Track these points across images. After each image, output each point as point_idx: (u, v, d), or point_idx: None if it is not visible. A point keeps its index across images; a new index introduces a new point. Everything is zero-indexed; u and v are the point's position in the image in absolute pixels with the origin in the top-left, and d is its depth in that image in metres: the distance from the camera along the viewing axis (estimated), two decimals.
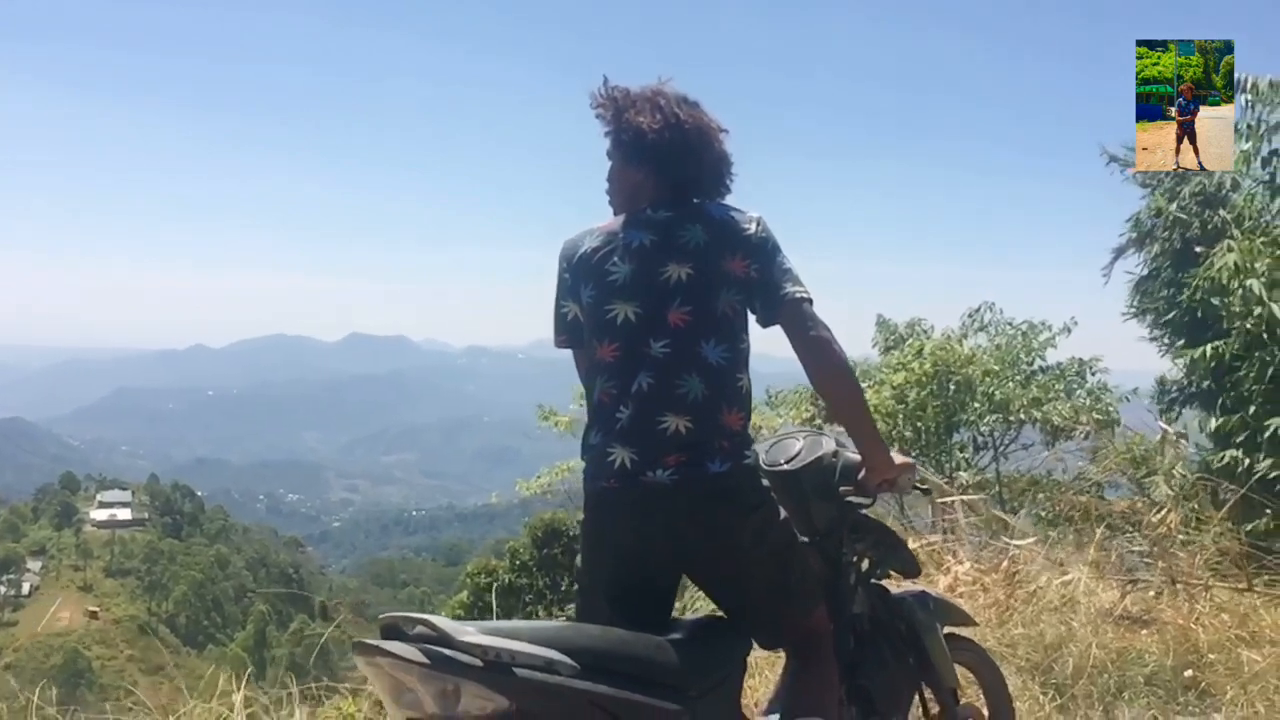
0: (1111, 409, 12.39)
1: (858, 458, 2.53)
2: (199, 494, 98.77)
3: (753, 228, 2.35)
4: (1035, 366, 13.37)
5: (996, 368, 12.51)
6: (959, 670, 2.91)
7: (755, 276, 2.32)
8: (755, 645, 2.46)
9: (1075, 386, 13.17)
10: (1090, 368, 13.28)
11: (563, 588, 18.03)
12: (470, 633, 1.87)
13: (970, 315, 13.87)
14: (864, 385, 13.31)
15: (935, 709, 2.83)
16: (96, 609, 66.68)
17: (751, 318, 2.38)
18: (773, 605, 2.36)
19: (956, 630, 2.94)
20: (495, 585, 16.56)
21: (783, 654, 2.71)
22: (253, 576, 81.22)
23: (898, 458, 2.48)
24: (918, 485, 2.71)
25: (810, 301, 2.32)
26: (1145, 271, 12.19)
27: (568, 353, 2.54)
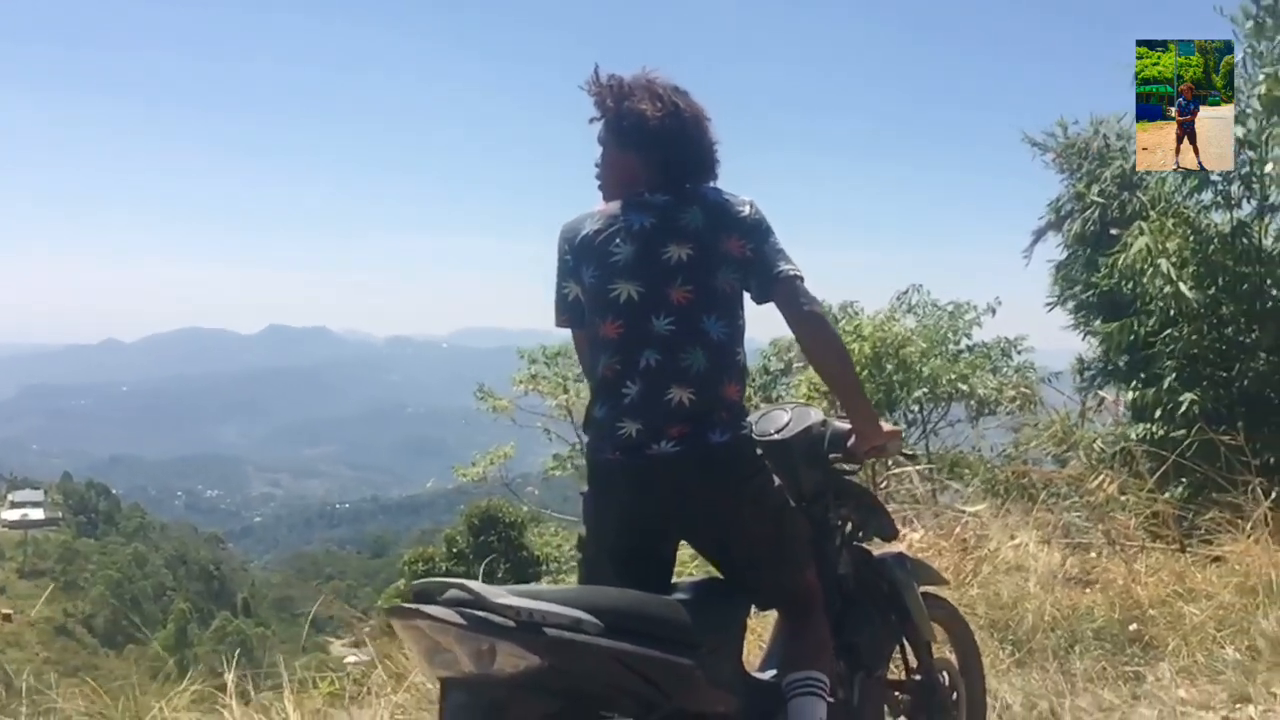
0: (1036, 385, 12.82)
1: (845, 426, 2.69)
2: (114, 492, 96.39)
3: (747, 210, 2.48)
4: (962, 346, 13.78)
5: (924, 345, 12.85)
6: (933, 626, 3.09)
7: (751, 256, 2.45)
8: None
9: (1001, 365, 13.61)
10: (1016, 346, 13.72)
11: (499, 575, 18.11)
12: (503, 595, 1.98)
13: (899, 297, 14.25)
14: (800, 366, 13.64)
15: (914, 662, 3.01)
16: (9, 612, 64.76)
17: (746, 295, 2.51)
18: (769, 567, 2.50)
19: (930, 589, 3.12)
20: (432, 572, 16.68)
21: (769, 615, 2.86)
22: (172, 575, 79.63)
23: (886, 425, 2.64)
24: (904, 453, 2.88)
25: (802, 279, 2.46)
26: (1063, 255, 12.59)
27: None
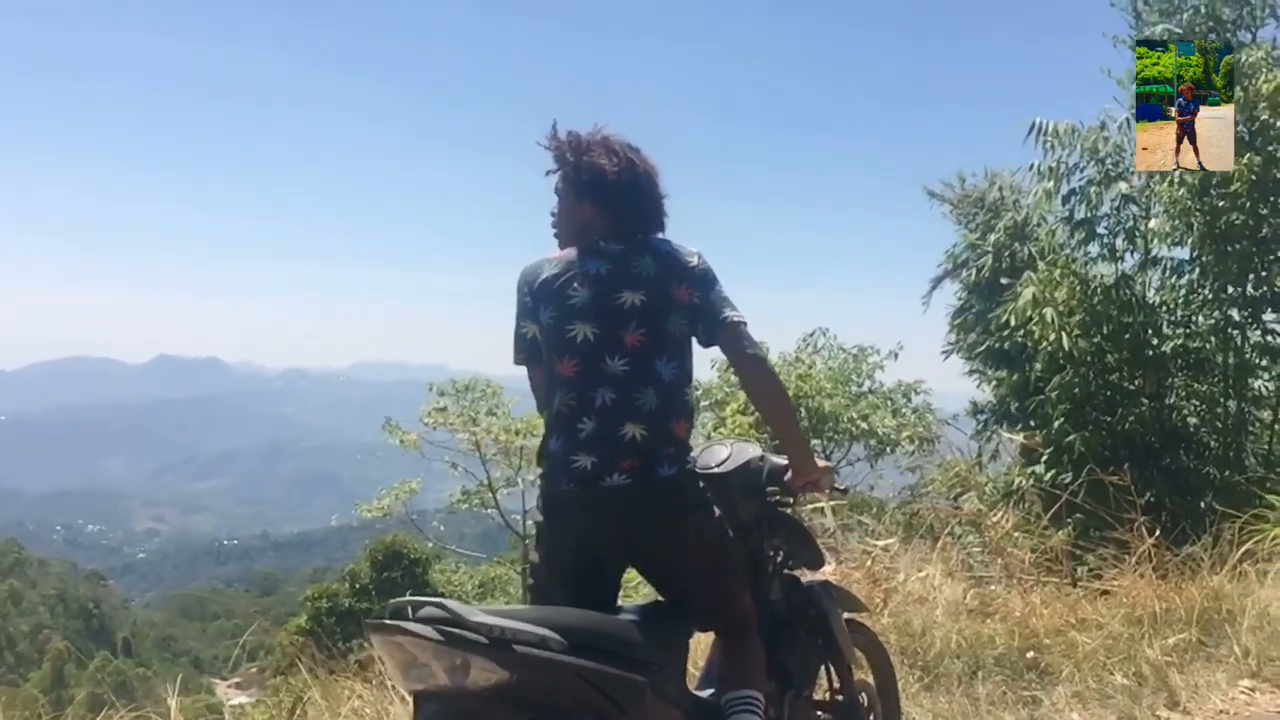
0: (934, 427, 13.34)
1: (781, 462, 2.90)
2: None
3: (695, 260, 2.68)
4: (865, 388, 14.27)
5: (829, 386, 13.29)
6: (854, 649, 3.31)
7: (698, 303, 2.65)
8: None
9: (901, 406, 14.12)
10: (915, 389, 14.25)
11: None
12: (476, 613, 2.14)
13: (805, 339, 14.73)
14: (705, 405, 13.94)
15: (837, 683, 3.22)
16: None
17: (693, 339, 2.71)
18: (710, 591, 2.68)
19: (852, 616, 3.34)
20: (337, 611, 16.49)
21: (705, 637, 3.05)
22: (49, 613, 76.26)
23: (820, 462, 2.86)
24: (835, 487, 3.10)
25: (745, 324, 2.67)
26: (958, 303, 13.13)
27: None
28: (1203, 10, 8.97)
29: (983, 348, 11.93)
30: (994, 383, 11.72)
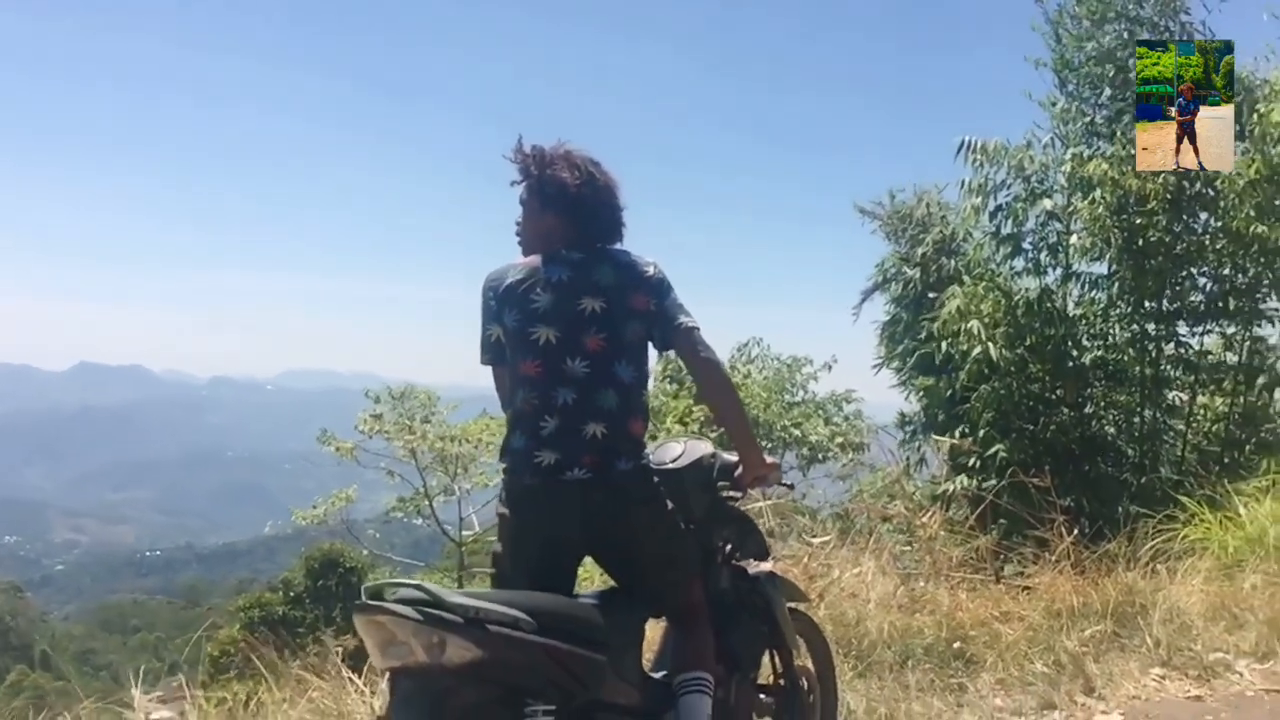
0: (865, 434, 13.68)
1: (731, 458, 3.10)
2: None
3: (651, 270, 2.87)
4: (799, 398, 14.58)
5: (764, 395, 13.57)
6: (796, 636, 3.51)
7: (654, 310, 2.84)
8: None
9: (833, 415, 14.44)
10: (847, 399, 14.59)
11: (337, 619, 17.88)
12: (454, 595, 2.30)
13: (739, 349, 15.01)
14: (648, 419, 14.11)
15: (779, 667, 3.42)
16: None
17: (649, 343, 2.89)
18: (662, 579, 2.87)
19: (794, 605, 3.54)
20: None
21: (655, 622, 3.23)
22: None
23: (768, 458, 3.06)
24: (782, 483, 3.31)
25: (699, 329, 2.86)
26: (887, 316, 13.49)
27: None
28: (1124, 36, 9.37)
29: (912, 358, 12.27)
30: (920, 392, 12.04)
